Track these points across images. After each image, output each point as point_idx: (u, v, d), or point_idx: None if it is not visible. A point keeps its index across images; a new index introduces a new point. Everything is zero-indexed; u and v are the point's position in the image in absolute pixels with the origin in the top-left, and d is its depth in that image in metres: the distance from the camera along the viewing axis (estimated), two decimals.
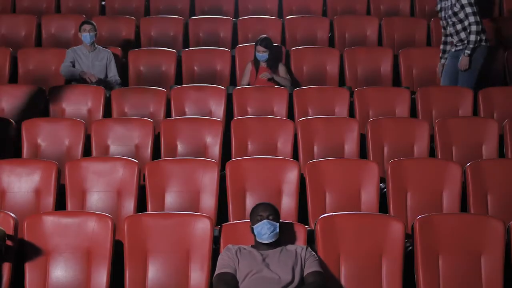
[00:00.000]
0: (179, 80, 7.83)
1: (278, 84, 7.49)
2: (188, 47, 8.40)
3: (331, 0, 9.38)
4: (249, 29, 8.63)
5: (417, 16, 9.16)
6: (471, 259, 4.56)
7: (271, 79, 7.48)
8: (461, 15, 7.21)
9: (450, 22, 7.31)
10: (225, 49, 8.08)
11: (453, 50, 7.44)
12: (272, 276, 4.31)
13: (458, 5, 7.22)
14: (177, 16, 8.82)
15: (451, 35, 7.41)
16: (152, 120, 6.39)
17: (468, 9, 7.19)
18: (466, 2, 7.19)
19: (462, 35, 7.27)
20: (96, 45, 7.53)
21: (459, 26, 7.26)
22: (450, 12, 7.28)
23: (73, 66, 7.39)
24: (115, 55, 7.65)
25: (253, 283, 4.29)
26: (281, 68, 7.65)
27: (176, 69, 7.84)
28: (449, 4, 7.30)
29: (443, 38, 7.60)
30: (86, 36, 7.40)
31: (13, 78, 7.76)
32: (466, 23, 7.22)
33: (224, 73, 7.88)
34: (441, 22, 7.52)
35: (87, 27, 7.43)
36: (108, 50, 7.60)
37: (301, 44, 8.38)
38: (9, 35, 8.49)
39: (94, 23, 7.55)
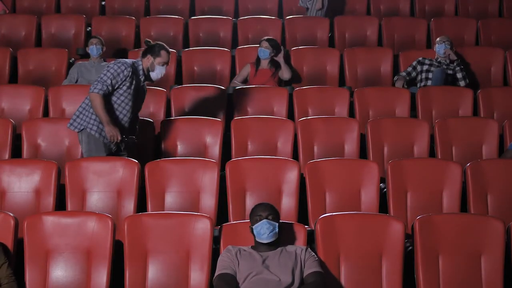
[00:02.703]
0: (179, 80, 7.83)
1: (280, 80, 7.53)
2: (188, 47, 8.40)
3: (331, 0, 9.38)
4: (249, 29, 8.63)
5: (417, 16, 9.16)
6: (471, 259, 4.56)
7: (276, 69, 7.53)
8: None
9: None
10: (225, 49, 8.07)
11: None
12: (272, 278, 4.30)
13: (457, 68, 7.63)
14: (177, 16, 8.82)
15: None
16: (152, 120, 6.39)
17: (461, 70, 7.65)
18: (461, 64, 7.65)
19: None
20: (103, 59, 7.58)
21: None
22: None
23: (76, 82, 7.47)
24: None
25: (253, 285, 4.29)
26: (281, 73, 7.64)
27: (176, 69, 7.84)
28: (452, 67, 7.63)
29: (402, 84, 7.60)
30: (93, 48, 7.52)
31: (13, 78, 7.76)
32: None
33: (224, 73, 7.88)
34: (401, 85, 7.56)
35: (94, 40, 7.58)
36: None
37: (301, 44, 8.37)
38: (9, 35, 8.49)
39: (102, 39, 7.61)
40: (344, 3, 9.39)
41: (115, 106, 5.66)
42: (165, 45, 5.77)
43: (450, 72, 7.54)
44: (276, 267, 4.34)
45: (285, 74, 7.56)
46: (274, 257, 4.39)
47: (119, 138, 5.57)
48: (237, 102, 6.95)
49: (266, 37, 7.62)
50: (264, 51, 7.50)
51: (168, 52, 5.73)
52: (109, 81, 5.55)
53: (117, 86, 5.60)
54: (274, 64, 7.58)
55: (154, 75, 5.72)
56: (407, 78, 7.63)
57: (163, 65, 5.69)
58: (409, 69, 7.64)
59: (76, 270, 4.53)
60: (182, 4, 9.32)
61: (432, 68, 7.55)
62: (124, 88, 5.63)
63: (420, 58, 7.67)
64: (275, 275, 4.31)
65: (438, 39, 7.70)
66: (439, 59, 7.62)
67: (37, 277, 4.50)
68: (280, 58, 7.57)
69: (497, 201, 5.36)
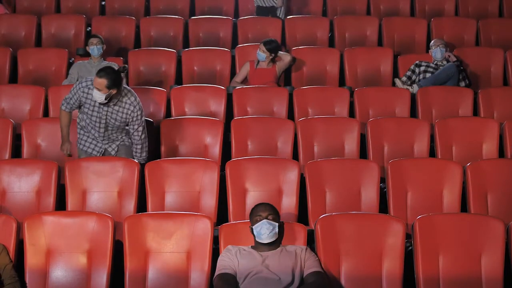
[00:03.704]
0: (179, 80, 7.83)
1: (279, 79, 7.54)
2: (188, 47, 8.40)
3: (331, 0, 9.38)
4: (249, 29, 8.63)
5: (417, 16, 9.16)
6: (471, 259, 4.56)
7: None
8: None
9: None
10: (225, 49, 8.07)
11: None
12: (272, 277, 4.31)
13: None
14: (177, 16, 8.81)
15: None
16: (152, 120, 6.39)
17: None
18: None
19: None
20: (103, 59, 7.57)
21: None
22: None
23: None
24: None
25: (253, 284, 4.29)
26: (281, 61, 7.63)
27: (176, 69, 7.84)
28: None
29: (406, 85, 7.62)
30: (93, 49, 7.48)
31: (13, 78, 7.76)
32: None
33: (224, 73, 7.87)
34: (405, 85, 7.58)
35: (94, 40, 7.53)
36: (114, 63, 7.60)
37: (301, 44, 8.37)
38: (9, 35, 8.49)
39: (101, 37, 7.59)
40: (343, 3, 9.39)
41: (82, 122, 5.78)
42: (106, 71, 5.48)
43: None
44: (276, 266, 4.34)
45: (284, 59, 7.56)
46: (274, 257, 4.39)
47: (67, 152, 5.87)
48: (237, 102, 6.95)
49: (265, 40, 7.58)
50: (261, 55, 7.50)
51: (98, 78, 5.44)
52: (68, 99, 5.77)
53: (78, 104, 5.73)
54: (273, 61, 7.58)
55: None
56: (409, 82, 7.62)
57: (93, 86, 5.55)
58: (409, 73, 7.64)
59: (76, 270, 4.53)
60: (182, 4, 9.32)
61: (430, 69, 7.55)
62: (82, 107, 5.71)
63: (417, 61, 7.68)
64: (275, 274, 4.31)
65: (431, 43, 7.71)
66: (435, 62, 7.62)
67: (37, 277, 4.50)
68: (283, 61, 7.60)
69: (497, 201, 5.36)
